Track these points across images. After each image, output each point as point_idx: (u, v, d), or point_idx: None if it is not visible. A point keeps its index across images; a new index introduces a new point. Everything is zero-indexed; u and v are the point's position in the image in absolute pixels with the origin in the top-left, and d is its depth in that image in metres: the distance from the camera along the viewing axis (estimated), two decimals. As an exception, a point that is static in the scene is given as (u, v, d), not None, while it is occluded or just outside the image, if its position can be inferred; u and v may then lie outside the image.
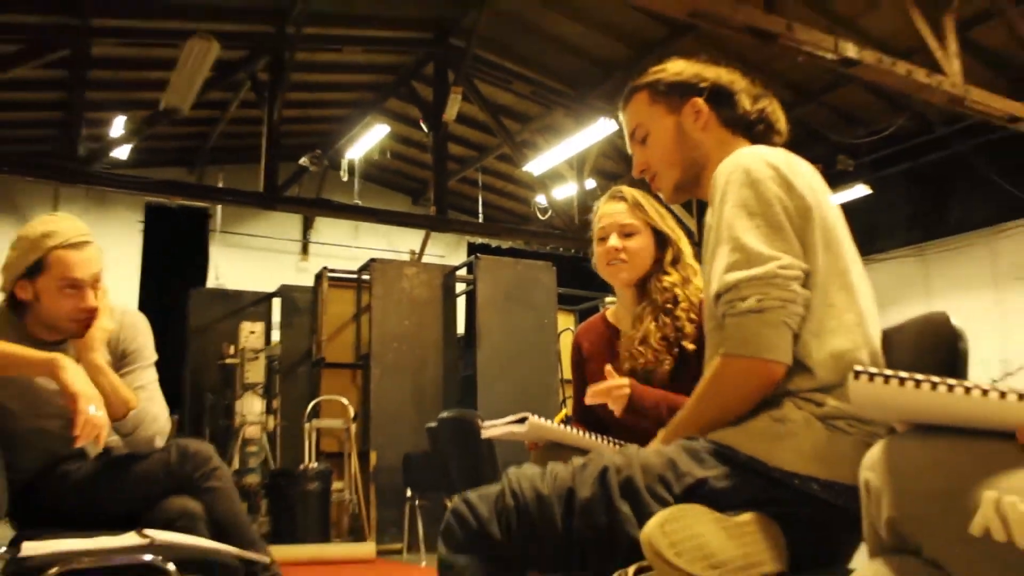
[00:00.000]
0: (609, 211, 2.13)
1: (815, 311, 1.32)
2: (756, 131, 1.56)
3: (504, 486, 1.32)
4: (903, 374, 0.93)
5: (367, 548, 5.96)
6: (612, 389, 1.90)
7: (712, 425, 1.34)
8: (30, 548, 1.68)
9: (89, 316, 2.04)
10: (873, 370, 0.95)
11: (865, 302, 1.38)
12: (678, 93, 1.57)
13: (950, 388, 0.90)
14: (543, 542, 1.28)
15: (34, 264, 1.98)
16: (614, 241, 2.08)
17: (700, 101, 1.55)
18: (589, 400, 1.95)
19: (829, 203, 1.41)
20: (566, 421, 2.17)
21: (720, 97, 1.56)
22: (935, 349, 1.32)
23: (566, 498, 1.28)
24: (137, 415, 2.03)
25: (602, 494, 1.26)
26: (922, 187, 9.02)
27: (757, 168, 1.37)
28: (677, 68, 1.60)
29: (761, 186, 1.35)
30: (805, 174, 1.41)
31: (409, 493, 5.82)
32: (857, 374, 0.95)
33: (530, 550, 1.29)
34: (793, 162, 1.41)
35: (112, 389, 2.01)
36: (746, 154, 1.41)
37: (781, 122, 1.60)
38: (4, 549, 1.71)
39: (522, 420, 1.81)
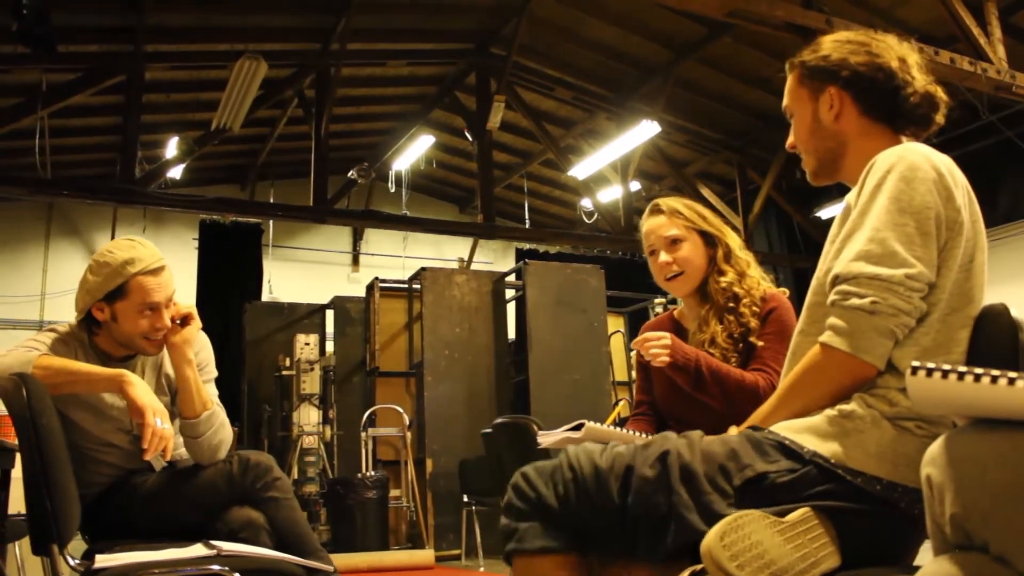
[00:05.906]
0: (651, 226, 2.16)
1: (931, 325, 1.29)
2: (898, 123, 1.48)
3: (562, 460, 1.32)
4: (961, 368, 0.91)
5: (426, 555, 6.00)
6: (652, 339, 1.94)
7: (799, 414, 1.33)
8: (103, 560, 1.74)
9: (163, 335, 2.12)
10: (931, 365, 0.93)
11: None
12: (819, 78, 1.51)
13: (1011, 381, 0.88)
14: (598, 516, 1.28)
15: (116, 289, 2.05)
16: (664, 256, 2.11)
17: (835, 91, 1.48)
18: (635, 345, 2.00)
19: (980, 222, 1.37)
20: (620, 422, 2.18)
21: (862, 84, 1.47)
22: (995, 342, 1.29)
23: (624, 475, 1.28)
24: (211, 417, 2.11)
25: (662, 475, 1.26)
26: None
27: (923, 169, 1.30)
28: (826, 50, 1.51)
29: (922, 187, 1.29)
30: (963, 187, 1.36)
31: (466, 499, 5.85)
32: (915, 370, 0.94)
33: (584, 523, 1.29)
34: (955, 172, 1.35)
35: (196, 385, 2.11)
36: (914, 150, 1.34)
37: (932, 115, 1.49)
38: (77, 562, 1.76)
39: (578, 427, 1.81)
